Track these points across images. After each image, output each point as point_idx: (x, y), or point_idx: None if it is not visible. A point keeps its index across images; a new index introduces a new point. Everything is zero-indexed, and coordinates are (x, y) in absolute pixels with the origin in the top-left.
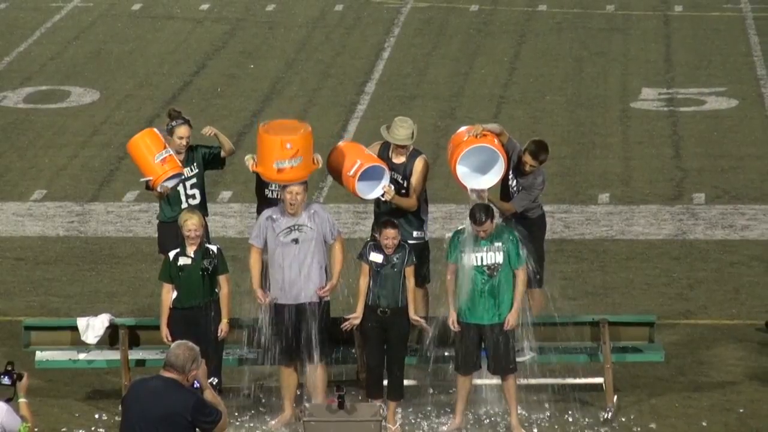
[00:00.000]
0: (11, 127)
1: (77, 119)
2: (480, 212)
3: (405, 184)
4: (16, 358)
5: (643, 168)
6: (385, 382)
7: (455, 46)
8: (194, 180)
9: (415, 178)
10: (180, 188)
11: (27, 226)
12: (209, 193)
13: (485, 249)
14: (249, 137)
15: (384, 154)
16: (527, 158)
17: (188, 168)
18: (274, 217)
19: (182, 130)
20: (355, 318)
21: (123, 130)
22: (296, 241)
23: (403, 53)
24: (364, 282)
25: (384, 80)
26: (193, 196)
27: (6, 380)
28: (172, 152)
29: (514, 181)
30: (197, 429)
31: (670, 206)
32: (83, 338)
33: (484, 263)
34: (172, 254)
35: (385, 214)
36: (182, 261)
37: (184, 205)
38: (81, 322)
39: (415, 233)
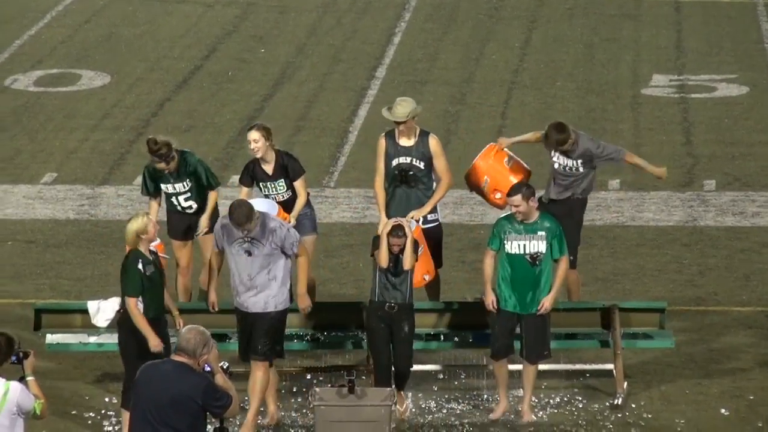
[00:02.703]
0: (22, 110)
1: (88, 102)
2: (523, 187)
3: (421, 165)
4: (27, 340)
5: (654, 154)
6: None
7: (466, 31)
8: (188, 194)
9: (440, 160)
10: (174, 200)
11: (37, 209)
12: (220, 177)
13: (529, 237)
14: (259, 121)
15: (390, 142)
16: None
17: (181, 183)
18: (230, 225)
19: (160, 167)
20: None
21: (134, 113)
22: (249, 253)
23: (414, 38)
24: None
25: (395, 65)
26: (189, 207)
27: (12, 359)
28: None
29: (565, 159)
30: (208, 414)
31: (680, 193)
32: (94, 321)
33: (527, 252)
34: (140, 266)
35: (397, 202)
36: (149, 271)
37: None
38: (91, 306)
39: (429, 216)
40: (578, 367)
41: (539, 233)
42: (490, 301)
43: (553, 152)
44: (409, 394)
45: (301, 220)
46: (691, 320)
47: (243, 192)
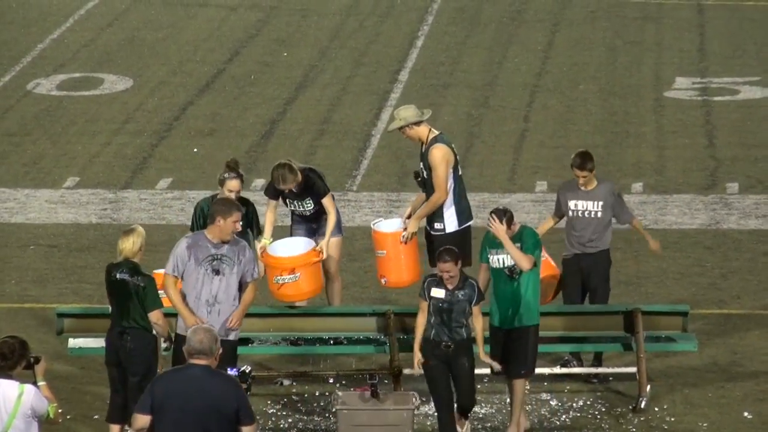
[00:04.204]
0: (44, 114)
1: (110, 106)
2: (496, 215)
3: (424, 174)
4: (49, 344)
5: (677, 157)
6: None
7: (489, 34)
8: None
9: (435, 172)
10: None
11: (60, 213)
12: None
13: (505, 251)
14: (281, 125)
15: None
16: (576, 172)
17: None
18: (199, 244)
19: (232, 184)
20: (418, 358)
21: (156, 117)
22: (217, 272)
23: (437, 42)
24: (420, 319)
25: (417, 69)
26: None
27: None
28: None
29: (585, 203)
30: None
31: (703, 196)
32: None
33: (505, 265)
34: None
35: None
36: None
37: None
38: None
39: (436, 225)
40: (601, 370)
41: (515, 245)
42: None
43: (570, 200)
44: (424, 399)
45: (326, 223)
46: (714, 323)
47: (271, 205)
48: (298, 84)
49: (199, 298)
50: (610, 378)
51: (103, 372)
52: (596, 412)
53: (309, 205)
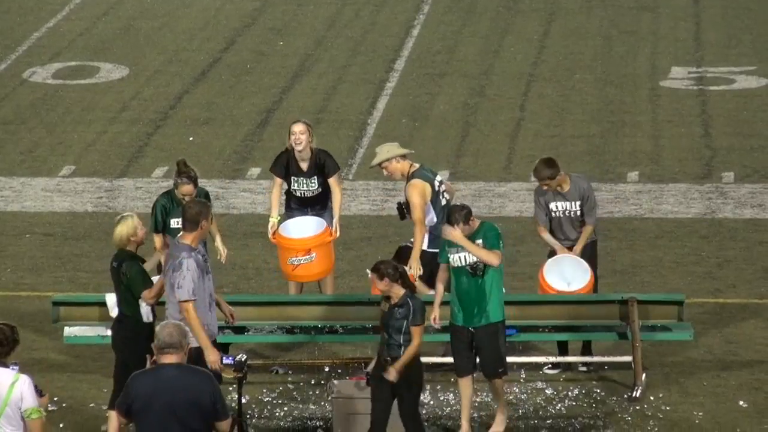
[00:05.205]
0: (40, 103)
1: (106, 95)
2: (456, 214)
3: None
4: (45, 332)
5: (673, 147)
6: None
7: (485, 23)
8: None
9: (411, 208)
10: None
11: (56, 201)
12: (239, 170)
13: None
14: (277, 114)
15: None
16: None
17: None
18: (196, 255)
19: (186, 189)
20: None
21: (152, 106)
22: (207, 272)
23: (433, 31)
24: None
25: (413, 57)
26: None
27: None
28: None
29: (563, 203)
30: (212, 422)
31: (699, 185)
32: (111, 314)
33: (467, 262)
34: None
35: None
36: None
37: None
38: (110, 298)
39: (412, 239)
40: (596, 359)
41: (476, 242)
42: (433, 317)
43: (550, 203)
44: (428, 387)
45: (323, 211)
46: (710, 312)
47: (276, 183)
48: (294, 73)
49: (207, 305)
50: (606, 367)
51: (99, 360)
52: (591, 401)
53: (314, 185)
